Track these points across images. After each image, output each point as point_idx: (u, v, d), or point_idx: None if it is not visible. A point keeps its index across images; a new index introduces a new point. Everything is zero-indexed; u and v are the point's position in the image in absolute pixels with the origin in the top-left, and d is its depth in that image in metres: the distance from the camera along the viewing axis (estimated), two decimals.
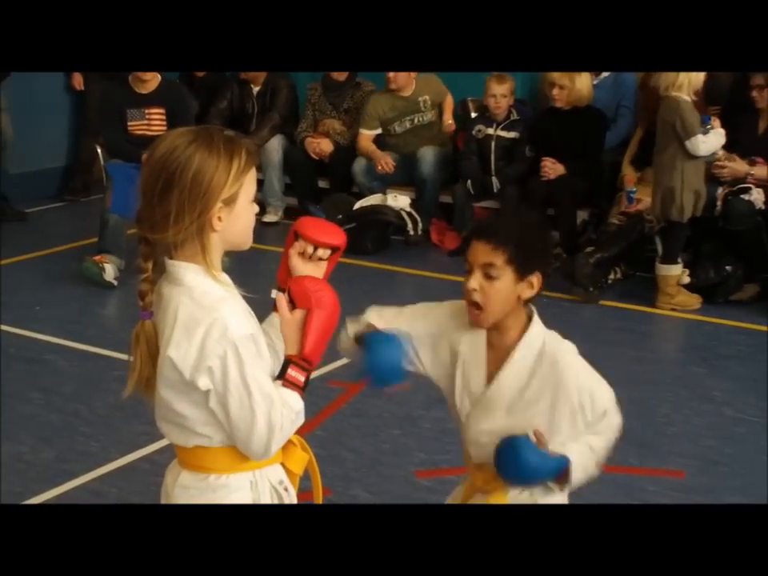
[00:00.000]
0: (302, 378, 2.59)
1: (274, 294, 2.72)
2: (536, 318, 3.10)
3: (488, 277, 2.98)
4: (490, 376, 3.09)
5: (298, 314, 2.62)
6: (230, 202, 2.51)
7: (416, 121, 8.91)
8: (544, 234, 3.16)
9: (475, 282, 2.99)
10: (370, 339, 3.07)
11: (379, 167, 8.77)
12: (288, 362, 2.60)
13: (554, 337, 3.11)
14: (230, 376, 2.46)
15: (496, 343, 3.09)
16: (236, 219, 2.54)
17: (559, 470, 2.99)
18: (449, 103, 9.02)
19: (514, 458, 2.96)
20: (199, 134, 2.52)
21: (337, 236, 2.79)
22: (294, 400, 2.58)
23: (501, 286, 2.98)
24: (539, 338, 3.08)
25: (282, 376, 2.59)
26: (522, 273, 2.99)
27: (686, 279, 7.16)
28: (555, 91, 7.93)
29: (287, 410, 2.54)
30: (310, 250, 2.75)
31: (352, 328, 3.15)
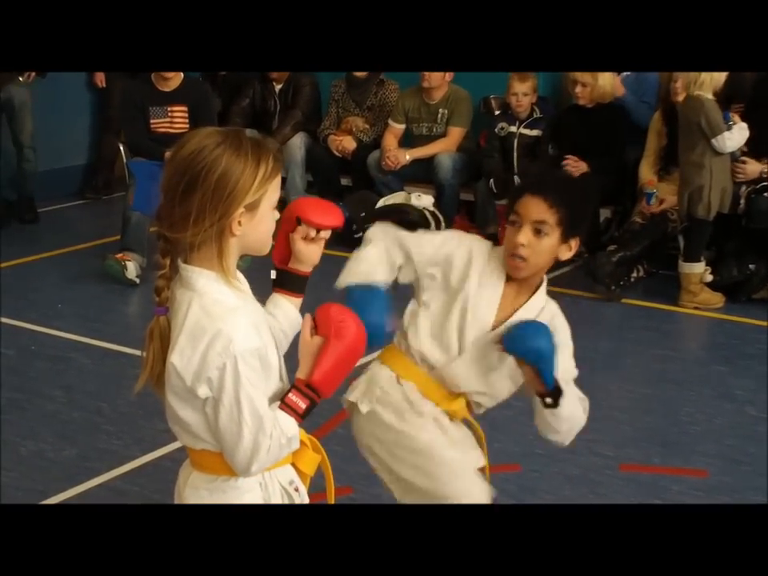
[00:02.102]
0: (302, 405, 2.54)
1: (273, 274, 2.76)
2: (544, 281, 3.26)
3: (537, 233, 3.08)
4: (498, 322, 3.20)
5: (317, 339, 2.58)
6: (252, 207, 2.47)
7: (433, 130, 8.90)
8: (591, 204, 3.31)
9: (524, 237, 3.09)
10: (355, 296, 3.09)
11: (384, 162, 8.76)
12: (293, 386, 2.57)
13: (552, 302, 3.26)
14: (225, 389, 2.43)
15: (508, 293, 3.20)
16: (256, 225, 2.51)
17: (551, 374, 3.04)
18: (452, 133, 8.81)
19: (535, 330, 3.05)
20: (228, 135, 2.48)
21: (338, 216, 2.80)
22: (288, 425, 2.53)
23: (547, 243, 3.10)
24: (544, 297, 3.23)
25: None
26: (566, 235, 3.11)
27: (709, 277, 7.12)
28: (578, 89, 7.89)
29: (278, 432, 2.50)
30: (312, 233, 2.73)
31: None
